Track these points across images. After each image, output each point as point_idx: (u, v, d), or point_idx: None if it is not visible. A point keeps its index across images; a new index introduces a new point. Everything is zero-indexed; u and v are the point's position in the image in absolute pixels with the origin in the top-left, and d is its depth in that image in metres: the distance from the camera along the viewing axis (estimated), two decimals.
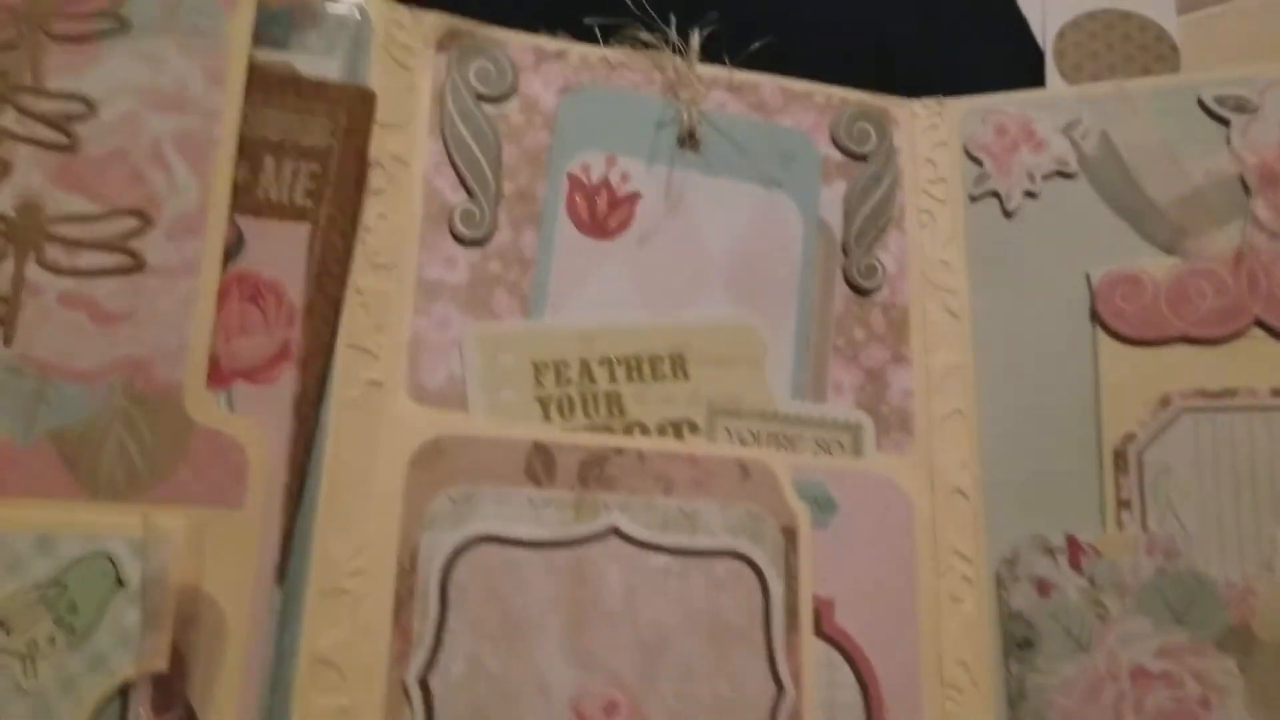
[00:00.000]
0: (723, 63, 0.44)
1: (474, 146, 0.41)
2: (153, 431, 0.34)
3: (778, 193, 0.43)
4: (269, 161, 0.38)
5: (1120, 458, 0.41)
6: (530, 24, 0.43)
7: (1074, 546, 0.40)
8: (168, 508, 0.34)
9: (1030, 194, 0.45)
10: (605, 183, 0.42)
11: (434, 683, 0.34)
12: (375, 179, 0.39)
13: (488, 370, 0.38)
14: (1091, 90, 0.47)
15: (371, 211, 0.39)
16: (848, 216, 0.44)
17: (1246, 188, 0.44)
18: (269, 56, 0.38)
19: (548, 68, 0.43)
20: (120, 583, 0.33)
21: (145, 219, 0.36)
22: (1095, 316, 0.43)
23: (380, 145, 0.39)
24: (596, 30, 0.43)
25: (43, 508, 0.33)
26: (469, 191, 0.40)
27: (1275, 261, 0.43)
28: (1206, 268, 0.43)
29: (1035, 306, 0.44)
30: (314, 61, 0.39)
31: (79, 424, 0.34)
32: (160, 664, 0.32)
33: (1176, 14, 0.52)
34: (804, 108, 0.45)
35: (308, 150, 0.38)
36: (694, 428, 0.40)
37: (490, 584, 0.36)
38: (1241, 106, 0.45)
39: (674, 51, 0.43)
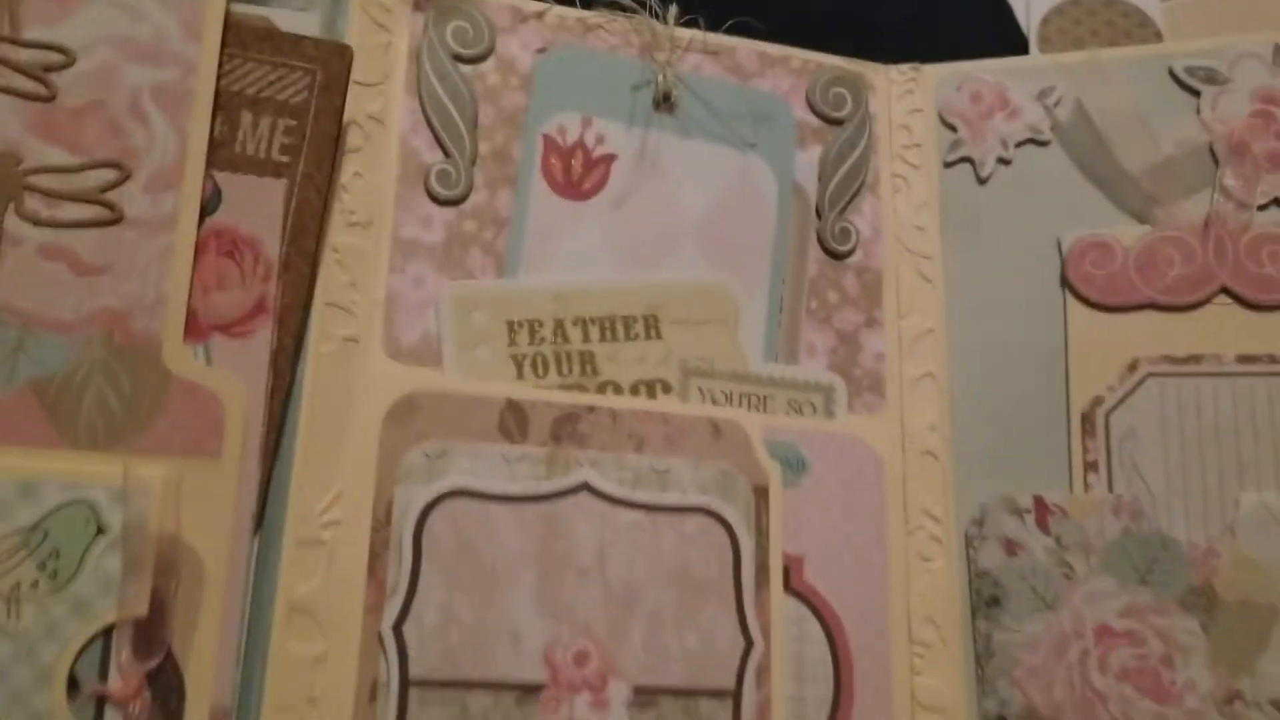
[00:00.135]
0: (699, 28, 0.47)
1: (450, 107, 0.43)
2: (132, 382, 0.37)
3: (753, 156, 0.46)
4: (246, 117, 0.40)
5: (1088, 421, 0.44)
6: None
7: (1041, 507, 0.43)
8: (147, 457, 0.36)
9: (1003, 160, 0.48)
10: (581, 144, 0.44)
11: (408, 631, 0.37)
12: (352, 137, 0.42)
13: (462, 328, 0.41)
14: (1066, 59, 0.50)
15: (348, 170, 0.41)
16: (822, 180, 0.47)
17: (1215, 158, 0.47)
18: (248, 11, 0.41)
19: (525, 29, 0.45)
20: (101, 530, 0.35)
21: (123, 171, 0.38)
22: (1065, 282, 0.46)
23: (357, 104, 0.42)
24: None
25: (24, 455, 0.35)
26: (445, 151, 0.43)
27: (1242, 230, 0.46)
28: (1175, 235, 0.46)
29: (1007, 272, 0.47)
30: (292, 18, 0.42)
31: (59, 374, 0.36)
32: (141, 609, 0.35)
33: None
34: (780, 72, 0.48)
35: (285, 106, 0.40)
36: (667, 387, 0.42)
37: (463, 537, 0.38)
38: (1212, 78, 0.48)
39: (651, 15, 0.46)
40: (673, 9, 0.46)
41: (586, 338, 0.42)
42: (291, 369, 0.39)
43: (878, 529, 0.43)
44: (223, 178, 0.39)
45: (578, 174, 0.44)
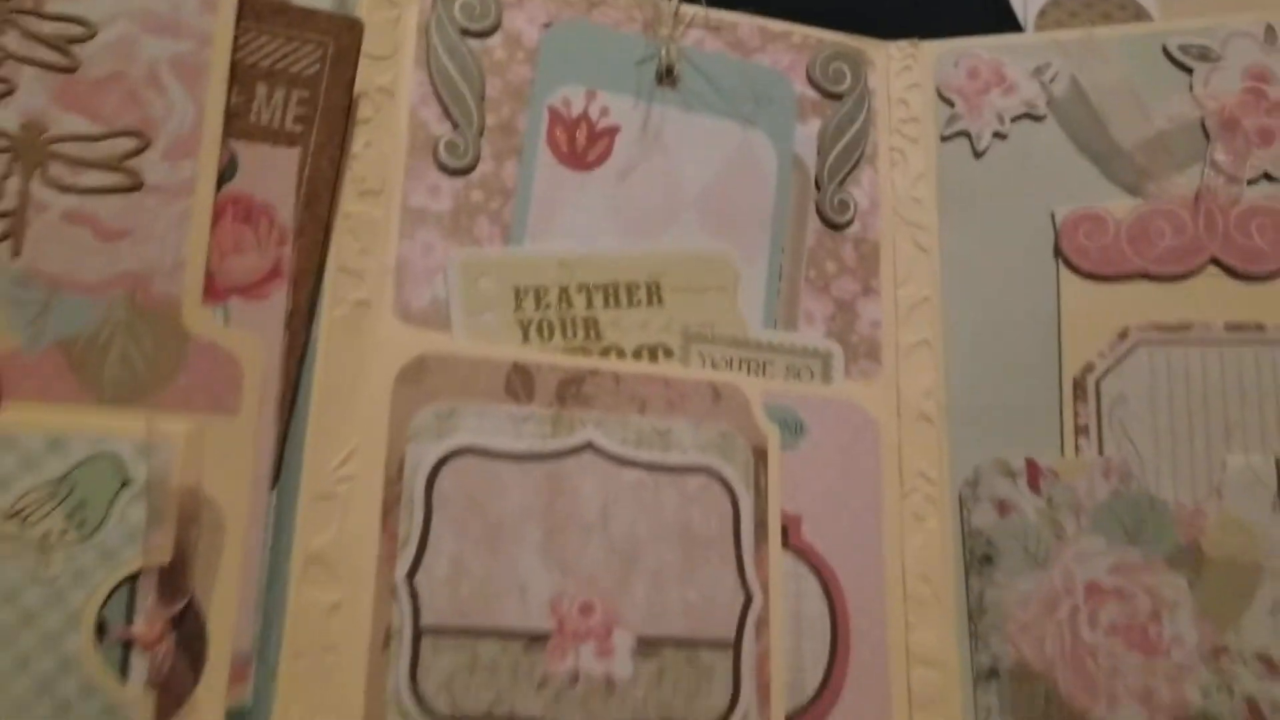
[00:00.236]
0: (701, 3, 0.49)
1: (458, 80, 0.46)
2: (153, 342, 0.39)
3: (753, 129, 0.49)
4: (261, 88, 0.43)
5: (1079, 387, 0.47)
6: None
7: (1033, 469, 0.46)
8: (169, 413, 0.39)
9: (999, 135, 0.51)
10: (585, 116, 0.47)
11: (420, 581, 0.40)
12: (362, 109, 0.44)
13: (470, 294, 0.44)
14: (1061, 36, 0.53)
15: (359, 140, 0.44)
16: (821, 153, 0.49)
17: (1206, 133, 0.50)
18: None
19: (531, 3, 0.48)
20: (126, 482, 0.38)
21: (143, 140, 0.41)
22: (1059, 253, 0.49)
23: (367, 77, 0.45)
24: None
25: (52, 411, 0.38)
26: (453, 123, 0.46)
27: (1232, 204, 0.49)
28: (1166, 208, 0.49)
29: (1002, 242, 0.49)
30: None
31: (84, 333, 0.39)
32: (164, 557, 0.37)
33: None
34: (781, 48, 0.50)
35: (298, 78, 0.43)
36: (668, 352, 0.45)
37: (472, 492, 0.41)
38: (1204, 55, 0.51)
39: None
40: None
41: (590, 304, 0.45)
42: (306, 330, 0.41)
43: (874, 490, 0.46)
44: (239, 147, 0.42)
45: (582, 145, 0.47)
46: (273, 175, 0.42)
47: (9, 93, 0.40)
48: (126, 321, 0.39)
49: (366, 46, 0.44)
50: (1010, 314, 0.49)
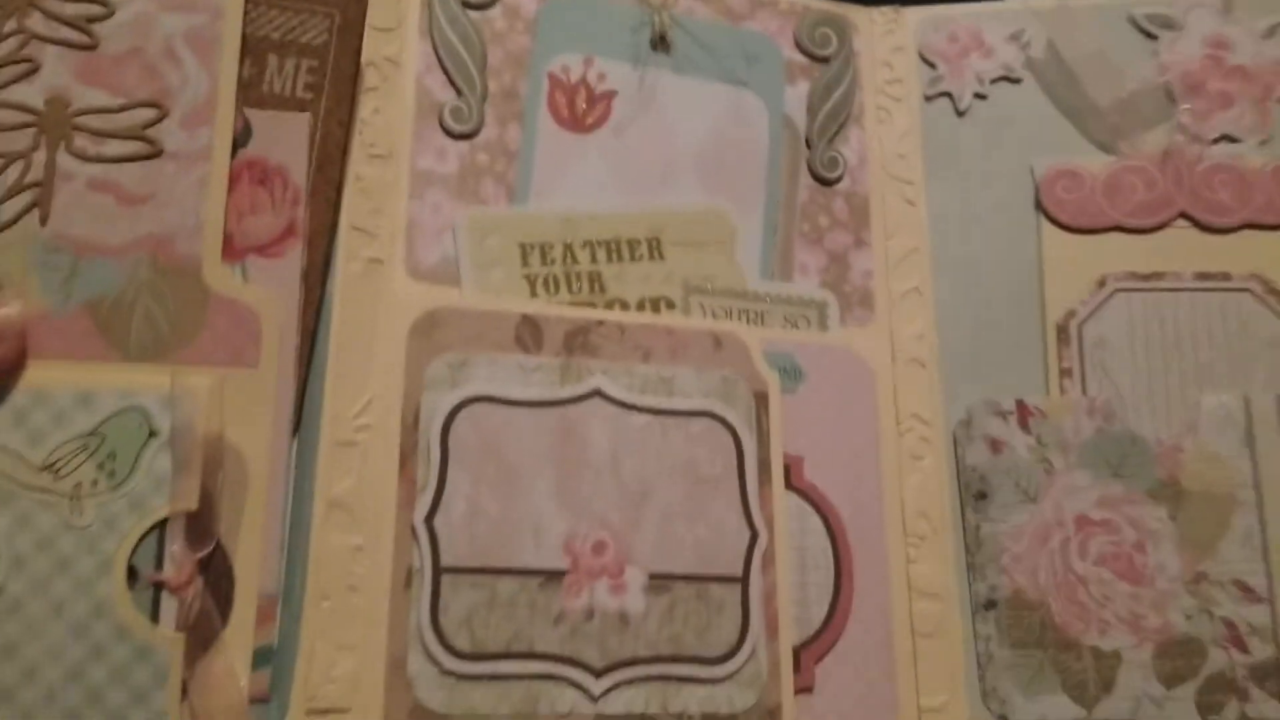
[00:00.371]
0: None
1: (461, 49, 0.48)
2: (176, 300, 0.41)
3: (745, 91, 0.51)
4: (272, 59, 0.44)
5: (1062, 331, 0.49)
6: None
7: (1022, 409, 0.48)
8: (192, 367, 0.40)
9: (980, 95, 0.53)
10: (583, 81, 0.49)
11: (438, 523, 0.41)
12: (370, 78, 0.46)
13: (478, 251, 0.46)
14: (1036, 4, 0.55)
15: (367, 106, 0.46)
16: (811, 113, 0.51)
17: (1172, 96, 0.52)
18: None
19: None
20: (153, 433, 0.39)
21: (161, 110, 0.42)
22: (1039, 206, 0.51)
23: (374, 47, 0.46)
24: None
25: (81, 369, 0.40)
26: (457, 90, 0.47)
27: (1197, 161, 0.51)
28: (1138, 165, 0.51)
29: (985, 196, 0.52)
30: None
31: (110, 294, 0.40)
32: (191, 504, 0.39)
33: None
34: (769, 14, 0.52)
35: (307, 48, 0.45)
36: (670, 304, 0.47)
37: (486, 438, 0.43)
38: (1168, 24, 0.54)
39: None
40: None
41: (594, 259, 0.47)
42: (321, 286, 0.43)
43: (871, 431, 0.48)
44: (252, 114, 0.44)
45: (581, 109, 0.49)
46: (285, 139, 0.44)
47: (34, 71, 0.42)
48: (150, 281, 0.41)
49: (372, 19, 0.46)
50: (995, 264, 0.51)
